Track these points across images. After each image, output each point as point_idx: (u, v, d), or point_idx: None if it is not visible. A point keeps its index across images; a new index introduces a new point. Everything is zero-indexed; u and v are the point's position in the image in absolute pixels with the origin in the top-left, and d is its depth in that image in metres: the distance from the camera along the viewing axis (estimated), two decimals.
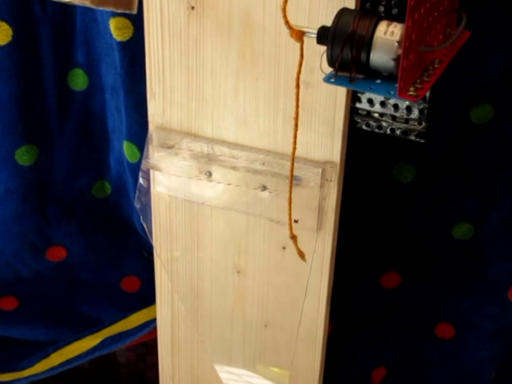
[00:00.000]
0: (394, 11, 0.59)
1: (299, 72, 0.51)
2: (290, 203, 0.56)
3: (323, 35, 0.51)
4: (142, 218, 0.73)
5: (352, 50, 0.50)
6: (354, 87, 0.51)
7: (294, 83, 0.52)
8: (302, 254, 0.60)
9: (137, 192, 0.72)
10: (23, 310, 0.97)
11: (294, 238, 0.59)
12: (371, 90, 0.50)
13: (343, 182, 0.66)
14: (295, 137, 0.53)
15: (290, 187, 0.56)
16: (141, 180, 0.71)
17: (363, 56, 0.50)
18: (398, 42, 0.49)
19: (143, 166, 0.70)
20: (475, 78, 0.70)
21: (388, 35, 0.49)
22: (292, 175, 0.55)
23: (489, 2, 0.65)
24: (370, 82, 0.51)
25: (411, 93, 0.49)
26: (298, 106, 0.51)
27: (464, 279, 0.82)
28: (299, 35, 0.51)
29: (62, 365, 0.94)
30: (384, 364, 0.90)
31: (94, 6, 0.46)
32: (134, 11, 0.51)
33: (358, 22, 0.50)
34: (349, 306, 0.86)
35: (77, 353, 0.94)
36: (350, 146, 0.66)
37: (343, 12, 0.51)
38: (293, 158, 0.54)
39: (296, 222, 0.65)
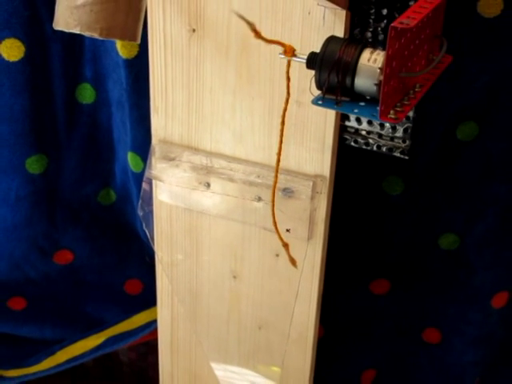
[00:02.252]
0: (381, 37, 0.63)
1: (285, 109, 0.54)
2: (273, 216, 0.59)
3: (312, 61, 0.54)
4: (144, 225, 0.76)
5: (338, 75, 0.53)
6: (339, 109, 0.54)
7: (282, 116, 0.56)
8: (293, 261, 0.63)
9: (140, 201, 0.75)
10: (31, 310, 0.99)
11: (286, 246, 0.62)
12: (355, 113, 0.54)
13: (335, 194, 0.69)
14: (277, 171, 0.56)
15: (273, 201, 0.59)
16: (143, 189, 0.74)
17: (348, 81, 0.53)
18: (380, 69, 0.52)
19: (146, 177, 0.73)
20: (461, 97, 0.73)
21: (371, 62, 0.53)
22: (274, 199, 0.58)
23: (472, 28, 0.68)
24: (354, 105, 0.54)
25: (391, 116, 0.52)
26: (281, 141, 0.55)
27: (450, 287, 0.85)
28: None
29: (67, 362, 0.97)
30: (373, 366, 0.93)
31: (101, 38, 0.50)
32: (138, 41, 0.55)
33: (344, 49, 0.53)
34: (340, 311, 0.89)
35: (81, 351, 0.97)
36: (342, 160, 0.69)
37: (331, 40, 0.54)
38: (274, 187, 0.58)
39: (288, 231, 0.68)
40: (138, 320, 0.97)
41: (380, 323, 0.90)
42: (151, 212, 0.75)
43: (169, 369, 0.84)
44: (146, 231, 0.76)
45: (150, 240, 0.77)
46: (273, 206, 0.59)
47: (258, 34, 0.51)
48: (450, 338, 0.89)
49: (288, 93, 0.55)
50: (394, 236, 0.83)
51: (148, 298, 0.95)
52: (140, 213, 0.75)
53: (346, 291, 0.87)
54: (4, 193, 0.90)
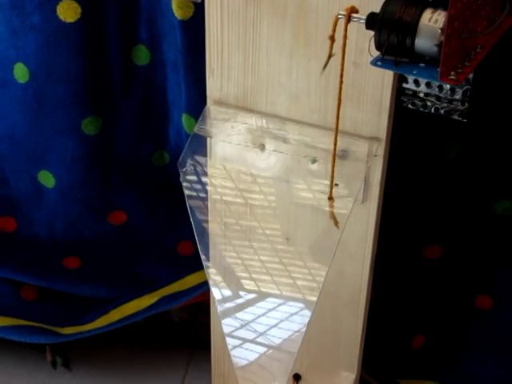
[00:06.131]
0: None
1: (345, 40, 0.54)
2: (332, 170, 0.59)
3: (371, 21, 0.54)
4: (181, 176, 0.74)
5: (398, 35, 0.52)
6: (398, 71, 0.54)
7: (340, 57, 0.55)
8: (335, 220, 0.63)
9: (182, 153, 0.73)
10: (85, 270, 1.01)
11: (330, 199, 0.63)
12: (414, 74, 0.53)
13: (389, 157, 0.69)
14: (336, 132, 0.56)
15: (334, 154, 0.59)
16: (187, 147, 0.73)
17: (408, 41, 0.52)
18: (441, 29, 0.51)
19: (195, 133, 0.72)
20: None
21: (432, 22, 0.52)
22: (336, 142, 0.58)
23: None
24: (414, 66, 0.54)
25: (452, 77, 0.52)
26: (342, 75, 0.55)
27: (504, 253, 0.85)
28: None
29: (120, 321, 0.98)
30: (424, 332, 0.93)
31: None
32: (199, 0, 0.55)
33: (404, 9, 0.53)
34: (392, 275, 0.89)
35: (134, 310, 0.98)
36: (398, 123, 0.69)
37: (391, 0, 0.54)
38: (337, 123, 0.58)
39: (336, 185, 0.67)
40: (191, 281, 0.98)
41: (432, 288, 0.90)
42: (192, 165, 0.74)
43: (220, 330, 0.84)
44: (183, 183, 0.75)
45: (186, 198, 0.75)
46: (333, 166, 0.59)
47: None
48: (502, 304, 0.88)
49: (343, 56, 0.54)
50: (449, 200, 0.83)
51: (200, 260, 0.95)
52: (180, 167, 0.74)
53: (399, 255, 0.87)
54: (60, 153, 0.91)
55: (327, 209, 0.65)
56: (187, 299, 0.96)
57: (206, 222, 0.78)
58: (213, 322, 0.86)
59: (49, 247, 1.01)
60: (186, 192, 0.74)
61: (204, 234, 0.77)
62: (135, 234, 1.00)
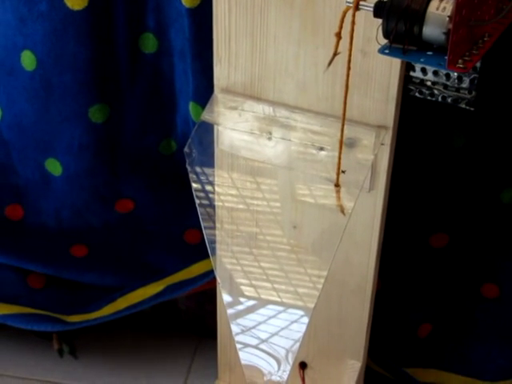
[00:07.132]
0: None
1: (352, 28, 0.54)
2: (339, 157, 0.59)
3: (379, 9, 0.54)
4: (187, 162, 0.74)
5: (406, 23, 0.52)
6: (406, 58, 0.54)
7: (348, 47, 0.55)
8: (341, 207, 0.64)
9: (189, 140, 0.73)
10: (92, 258, 1.01)
11: (337, 186, 0.63)
12: (422, 62, 0.53)
13: (396, 145, 0.69)
14: (343, 120, 0.56)
15: (341, 141, 0.59)
16: (195, 131, 0.73)
17: (416, 29, 0.52)
18: (449, 17, 0.51)
19: (205, 119, 0.72)
20: None
21: (440, 10, 0.52)
22: (343, 130, 0.58)
23: None
24: (421, 54, 0.53)
25: (460, 65, 0.52)
26: (349, 60, 0.55)
27: (510, 242, 0.85)
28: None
29: (127, 309, 0.98)
30: (430, 320, 0.93)
31: None
32: None
33: None
34: (398, 264, 0.89)
35: (141, 298, 0.98)
36: (405, 111, 0.69)
37: None
38: (344, 111, 0.58)
39: (343, 172, 0.67)
40: (197, 269, 0.98)
41: (438, 277, 0.90)
42: (198, 153, 0.74)
43: (226, 318, 0.84)
44: (189, 168, 0.74)
45: (191, 180, 0.75)
46: (340, 153, 0.58)
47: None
48: (508, 293, 0.88)
49: (351, 43, 0.54)
50: (456, 189, 0.83)
51: (206, 248, 0.96)
52: (187, 150, 0.74)
53: (406, 244, 0.87)
54: (67, 141, 0.91)
55: (334, 196, 0.65)
56: (194, 287, 0.96)
57: (212, 207, 0.78)
58: (219, 311, 0.86)
59: (56, 235, 1.01)
60: (192, 179, 0.75)
61: (209, 220, 0.77)
62: (142, 222, 1.00)
